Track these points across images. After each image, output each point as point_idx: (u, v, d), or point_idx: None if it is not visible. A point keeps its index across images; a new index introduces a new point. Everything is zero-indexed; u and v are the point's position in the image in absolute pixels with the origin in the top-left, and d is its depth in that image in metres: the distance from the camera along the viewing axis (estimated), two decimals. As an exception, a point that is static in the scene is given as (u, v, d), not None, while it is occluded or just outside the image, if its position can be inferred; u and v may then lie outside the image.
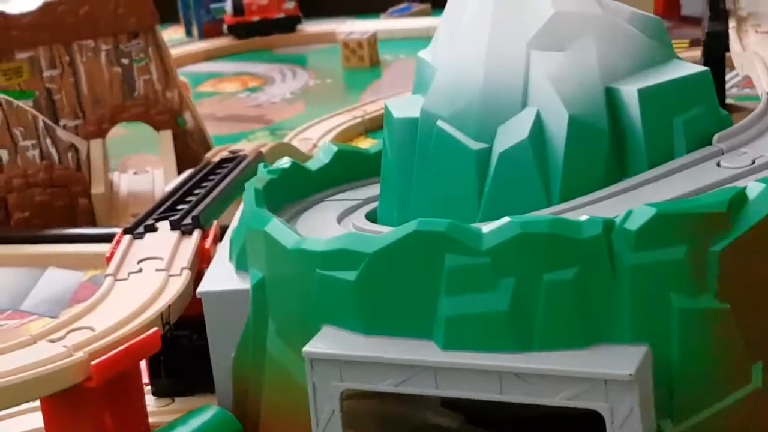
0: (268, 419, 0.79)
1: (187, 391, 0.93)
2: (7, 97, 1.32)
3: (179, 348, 0.91)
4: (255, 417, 0.81)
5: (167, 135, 1.42)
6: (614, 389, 0.64)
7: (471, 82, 0.76)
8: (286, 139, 1.51)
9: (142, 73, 1.43)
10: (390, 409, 0.88)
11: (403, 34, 2.18)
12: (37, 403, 0.90)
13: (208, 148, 1.46)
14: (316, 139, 1.54)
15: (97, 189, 1.35)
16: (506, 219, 0.67)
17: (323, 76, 1.96)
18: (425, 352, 0.69)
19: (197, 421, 0.81)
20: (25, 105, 1.34)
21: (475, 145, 0.75)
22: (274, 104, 1.83)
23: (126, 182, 1.45)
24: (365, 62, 2.00)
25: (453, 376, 0.68)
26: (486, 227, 0.67)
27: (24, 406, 0.91)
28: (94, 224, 1.35)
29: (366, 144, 1.51)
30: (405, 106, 0.83)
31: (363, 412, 0.86)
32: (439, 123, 0.77)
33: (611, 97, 0.76)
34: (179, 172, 1.37)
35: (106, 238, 1.26)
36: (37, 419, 0.91)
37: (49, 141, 1.34)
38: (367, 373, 0.71)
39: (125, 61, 1.42)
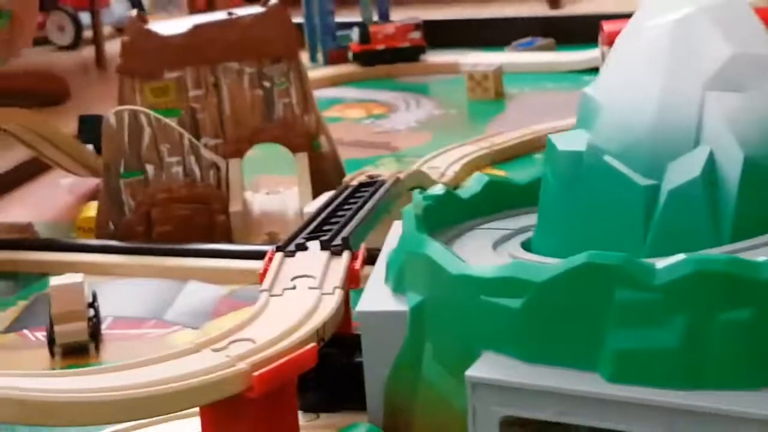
0: (421, 440, 0.81)
1: (332, 408, 0.95)
2: (157, 114, 1.37)
3: (328, 365, 0.93)
4: (407, 437, 0.83)
5: (303, 157, 1.46)
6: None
7: (642, 119, 0.77)
8: (414, 167, 1.54)
9: (282, 97, 1.47)
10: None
11: (528, 68, 2.19)
12: (192, 409, 0.95)
13: (340, 171, 1.49)
14: (444, 168, 1.56)
15: (235, 207, 1.39)
16: (681, 256, 0.68)
17: (447, 106, 1.98)
18: (590, 383, 0.70)
19: (350, 436, 0.83)
20: (171, 123, 1.39)
21: (644, 181, 0.76)
22: (399, 132, 1.86)
23: (259, 201, 1.49)
24: (490, 94, 2.02)
25: (620, 409, 0.69)
26: (660, 263, 0.68)
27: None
28: (230, 241, 1.39)
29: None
30: (568, 139, 0.84)
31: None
32: (607, 158, 0.78)
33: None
34: (314, 194, 1.40)
35: (245, 255, 1.31)
36: (189, 426, 0.95)
37: (192, 158, 1.39)
38: (529, 400, 0.72)
39: (267, 84, 1.46)
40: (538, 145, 1.66)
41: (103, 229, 1.40)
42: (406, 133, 1.85)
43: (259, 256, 1.30)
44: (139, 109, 1.37)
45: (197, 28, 1.43)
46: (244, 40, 1.44)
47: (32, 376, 0.79)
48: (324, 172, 1.47)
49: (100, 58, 5.56)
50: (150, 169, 1.38)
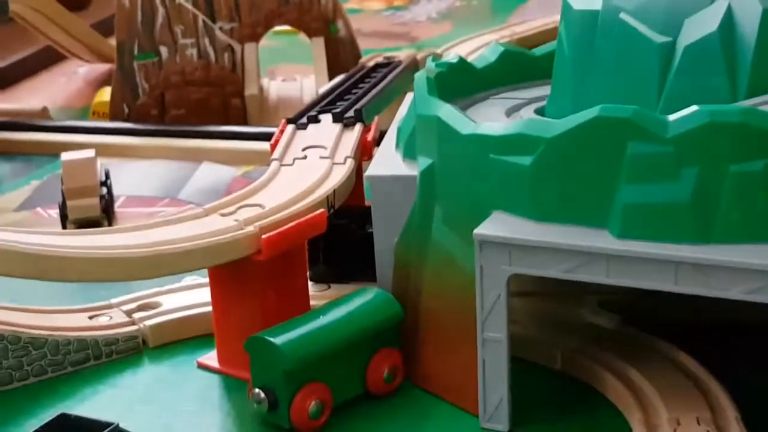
0: (429, 303, 0.81)
1: (342, 279, 0.94)
2: (182, -5, 1.35)
3: (338, 236, 0.92)
4: (415, 300, 0.82)
5: (320, 42, 1.43)
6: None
7: (659, -26, 0.75)
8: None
9: (299, -22, 1.44)
10: (547, 307, 0.89)
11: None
12: (201, 280, 0.95)
13: (357, 57, 1.47)
14: (465, 56, 1.53)
15: (251, 90, 1.38)
16: (693, 108, 0.66)
17: (469, -2, 1.95)
18: (599, 239, 0.69)
19: (359, 300, 0.82)
20: (186, 3, 1.37)
21: (659, 38, 0.74)
22: (419, 23, 1.83)
23: (275, 88, 1.47)
24: (512, -16, 1.97)
25: (626, 265, 0.68)
26: (672, 115, 0.67)
27: (189, 281, 0.95)
28: (245, 124, 1.37)
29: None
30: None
31: (521, 309, 0.87)
32: (622, 15, 0.76)
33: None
34: (330, 78, 1.38)
35: (259, 137, 1.30)
36: (200, 295, 0.95)
37: (207, 40, 1.37)
38: (537, 258, 0.71)
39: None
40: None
41: (116, 111, 1.39)
42: (426, 23, 1.82)
43: (266, 137, 1.30)
44: (147, -13, 1.35)
45: None
46: None
47: (43, 234, 0.79)
48: (341, 57, 1.45)
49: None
50: (164, 50, 1.37)
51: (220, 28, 1.42)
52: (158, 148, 1.31)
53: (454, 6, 1.91)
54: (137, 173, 1.25)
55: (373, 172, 0.84)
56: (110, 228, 0.84)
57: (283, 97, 1.46)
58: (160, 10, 1.35)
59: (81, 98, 1.62)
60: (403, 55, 1.26)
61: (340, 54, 1.45)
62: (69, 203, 1.11)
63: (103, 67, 1.71)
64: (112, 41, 1.66)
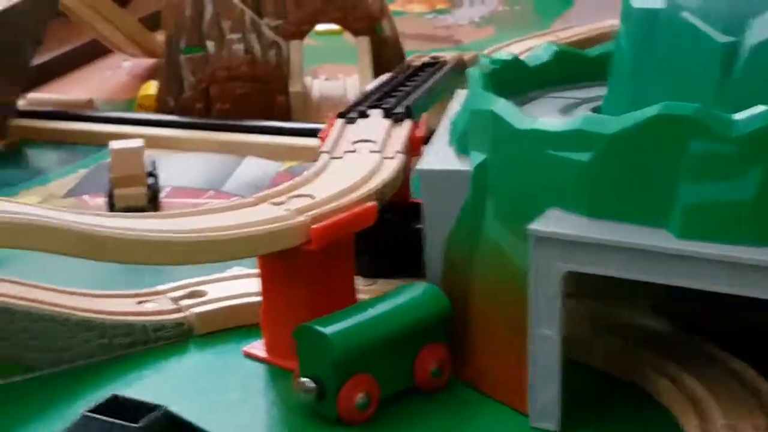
0: (479, 299, 0.80)
1: (389, 274, 0.94)
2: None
3: (386, 230, 0.92)
4: (464, 296, 0.82)
5: (364, 41, 1.43)
6: None
7: (724, -27, 0.74)
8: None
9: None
10: (598, 308, 0.88)
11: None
12: (246, 271, 0.95)
13: (401, 58, 1.46)
14: (511, 59, 1.52)
15: (295, 87, 1.38)
16: (760, 107, 0.66)
17: (512, 3, 1.94)
18: (658, 238, 0.69)
19: (408, 293, 0.82)
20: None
21: (722, 38, 0.73)
22: (462, 27, 1.83)
23: (318, 86, 1.47)
24: (557, -9, 1.97)
25: (685, 265, 0.67)
26: (738, 114, 0.66)
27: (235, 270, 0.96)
28: (289, 121, 1.37)
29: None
30: (645, -2, 0.81)
31: (571, 310, 0.86)
32: (684, 14, 0.76)
33: None
34: (375, 78, 1.38)
35: (303, 133, 1.30)
36: (246, 285, 0.95)
37: (254, 36, 1.37)
38: (593, 256, 0.71)
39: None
40: (605, 41, 1.62)
41: (162, 104, 1.40)
42: (469, 27, 1.82)
43: (311, 134, 1.30)
44: (209, -17, 1.35)
45: None
46: None
47: (96, 216, 0.80)
48: (385, 58, 1.45)
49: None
50: (211, 45, 1.37)
51: (267, 25, 1.42)
52: (203, 141, 1.31)
53: (497, 11, 1.91)
54: (182, 165, 1.26)
55: (425, 166, 0.84)
56: (162, 213, 0.84)
57: (326, 95, 1.46)
58: (209, 6, 1.36)
59: (126, 91, 1.63)
60: (449, 55, 1.26)
61: (385, 54, 1.45)
62: (116, 191, 1.11)
63: (147, 62, 1.72)
64: (157, 36, 1.68)
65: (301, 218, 0.82)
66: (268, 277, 0.86)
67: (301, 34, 1.44)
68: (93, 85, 1.66)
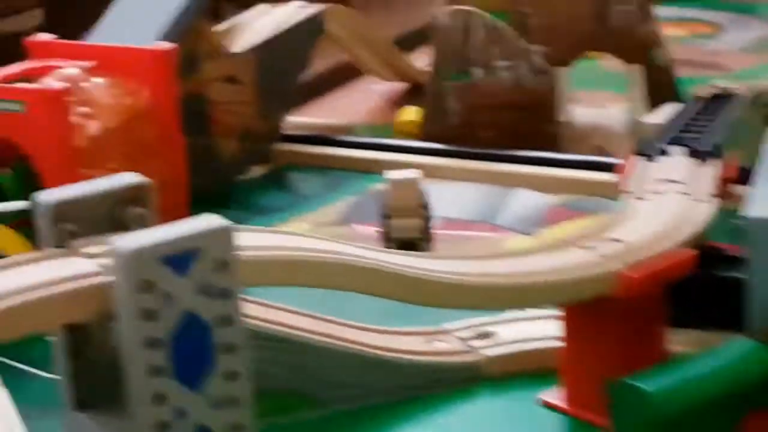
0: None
1: (703, 325, 0.88)
2: (489, 15, 1.33)
3: (702, 277, 0.85)
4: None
5: (637, 70, 1.37)
6: None
7: None
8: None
9: (619, 3, 1.38)
10: None
11: None
12: (537, 312, 0.91)
13: (674, 87, 1.40)
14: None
15: (564, 116, 1.33)
16: None
17: (780, 28, 1.84)
18: None
19: (732, 351, 0.75)
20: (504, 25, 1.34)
21: None
22: (728, 53, 1.74)
23: (583, 114, 1.42)
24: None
25: None
26: None
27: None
28: (557, 151, 1.33)
29: None
30: None
31: None
32: None
33: None
34: (650, 108, 1.32)
35: (577, 165, 1.25)
36: (538, 327, 0.91)
37: (523, 63, 1.34)
38: None
39: (604, -11, 1.38)
40: None
41: (426, 131, 1.38)
42: (736, 54, 1.72)
43: (590, 166, 1.25)
44: (472, 9, 1.33)
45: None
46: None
47: (402, 255, 0.77)
48: (658, 87, 1.38)
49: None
50: (478, 72, 1.34)
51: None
52: (469, 171, 1.28)
53: (764, 37, 1.81)
54: (450, 195, 1.23)
55: (757, 213, 0.77)
56: (466, 254, 0.81)
57: (590, 125, 1.41)
58: (478, 32, 1.33)
59: (381, 116, 1.62)
60: (738, 86, 1.19)
61: (658, 83, 1.39)
62: (391, 222, 1.09)
63: (398, 86, 1.71)
64: (410, 59, 1.67)
65: (616, 265, 0.77)
66: (571, 324, 0.81)
67: (568, 62, 1.40)
68: (347, 109, 1.67)
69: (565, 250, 0.81)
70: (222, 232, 0.61)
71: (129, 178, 0.68)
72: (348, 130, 1.47)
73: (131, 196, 0.68)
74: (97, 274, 0.61)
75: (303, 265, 0.68)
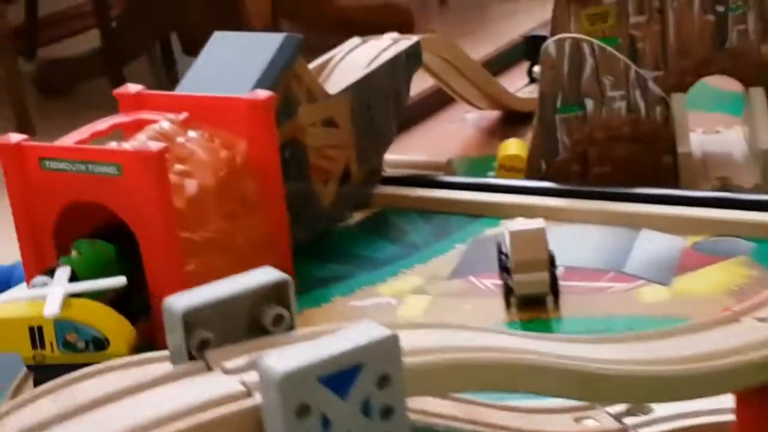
0: None
1: None
2: (600, 42, 1.24)
3: None
4: None
5: (759, 92, 1.28)
6: None
7: None
8: None
9: (737, 23, 1.29)
10: None
11: None
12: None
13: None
14: None
15: (683, 147, 1.24)
16: None
17: None
18: None
19: None
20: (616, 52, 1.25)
21: None
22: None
23: (698, 142, 1.33)
24: None
25: None
26: None
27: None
28: (676, 185, 1.24)
29: None
30: None
31: None
32: None
33: None
34: (775, 134, 1.23)
35: (703, 202, 1.16)
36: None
37: (638, 92, 1.25)
38: None
39: (720, 8, 1.29)
40: None
41: (533, 168, 1.29)
42: None
43: (717, 204, 1.16)
44: (581, 37, 1.24)
45: (645, -53, 1.28)
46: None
47: (576, 343, 0.69)
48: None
49: (441, -11, 5.47)
50: (589, 103, 1.26)
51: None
52: (584, 212, 1.20)
53: None
54: (570, 239, 1.14)
55: None
56: (624, 336, 0.72)
57: (709, 153, 1.32)
58: (589, 60, 1.24)
59: (477, 148, 1.54)
60: None
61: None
62: (516, 277, 1.01)
63: (491, 114, 1.63)
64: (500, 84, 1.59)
65: (804, 341, 0.69)
66: (744, 407, 0.73)
67: (683, 87, 1.31)
68: (440, 140, 1.59)
69: (737, 323, 0.72)
70: (387, 342, 0.53)
71: (266, 274, 0.61)
72: (447, 167, 1.39)
73: (270, 294, 0.61)
74: (245, 395, 0.54)
75: (473, 369, 0.61)
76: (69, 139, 1.02)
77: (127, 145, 1.01)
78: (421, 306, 1.06)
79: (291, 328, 0.61)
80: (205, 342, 0.59)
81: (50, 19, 4.71)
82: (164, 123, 1.06)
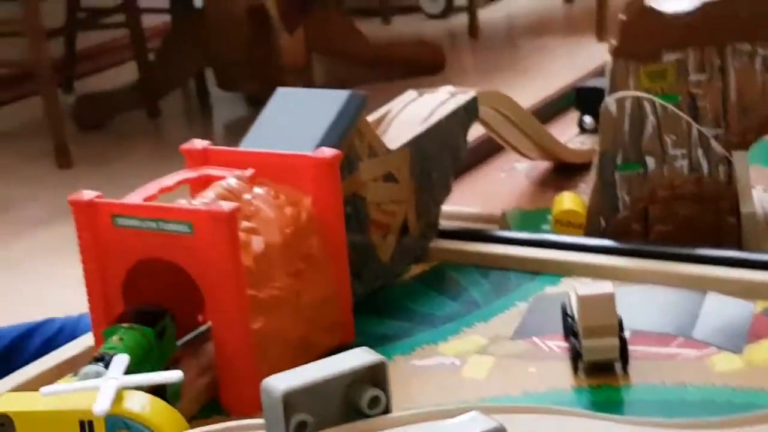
0: None
1: None
2: (662, 101, 1.24)
3: None
4: None
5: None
6: None
7: None
8: None
9: (800, 80, 1.28)
10: None
11: None
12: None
13: None
14: None
15: (747, 207, 1.23)
16: None
17: None
18: None
19: None
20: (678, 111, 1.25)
21: None
22: None
23: (761, 200, 1.32)
24: None
25: None
26: None
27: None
28: (739, 245, 1.23)
29: None
30: None
31: None
32: None
33: None
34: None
35: (768, 266, 1.15)
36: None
37: (700, 151, 1.24)
38: None
39: (783, 67, 1.29)
40: None
41: (592, 225, 1.28)
42: None
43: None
44: (643, 95, 1.24)
45: (708, 5, 1.27)
46: (758, 17, 1.27)
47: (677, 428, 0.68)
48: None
49: (473, 27, 5.58)
50: (650, 161, 1.25)
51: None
52: (647, 272, 1.19)
53: None
54: (634, 301, 1.13)
55: None
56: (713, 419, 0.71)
57: (769, 212, 1.30)
58: (650, 118, 1.24)
59: (529, 199, 1.54)
60: None
61: None
62: (585, 342, 1.00)
63: (541, 164, 1.63)
64: (549, 132, 1.59)
65: None
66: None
67: (745, 145, 1.30)
68: (491, 190, 1.59)
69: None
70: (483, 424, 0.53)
71: (362, 356, 0.61)
72: (501, 220, 1.38)
73: (366, 376, 0.60)
74: (351, 487, 0.54)
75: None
76: (137, 196, 1.03)
77: (198, 203, 1.01)
78: (486, 367, 1.05)
79: (387, 410, 0.61)
80: (303, 424, 0.59)
81: (88, 51, 4.76)
82: (231, 180, 1.06)
